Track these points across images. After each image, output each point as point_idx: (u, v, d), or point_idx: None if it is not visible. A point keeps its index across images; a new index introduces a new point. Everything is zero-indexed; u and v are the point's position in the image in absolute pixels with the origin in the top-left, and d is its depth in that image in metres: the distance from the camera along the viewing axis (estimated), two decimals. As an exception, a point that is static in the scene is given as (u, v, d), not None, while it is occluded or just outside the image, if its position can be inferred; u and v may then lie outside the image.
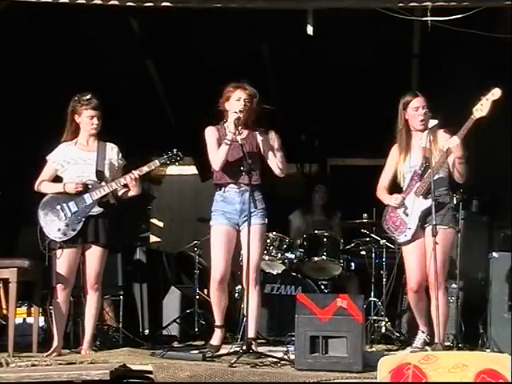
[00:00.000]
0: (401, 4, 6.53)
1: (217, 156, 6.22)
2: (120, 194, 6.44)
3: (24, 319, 7.64)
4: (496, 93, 6.05)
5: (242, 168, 6.11)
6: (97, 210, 6.32)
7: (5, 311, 6.92)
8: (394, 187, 6.48)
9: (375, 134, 6.56)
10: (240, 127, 6.16)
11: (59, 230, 6.29)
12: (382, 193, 6.50)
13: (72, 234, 6.28)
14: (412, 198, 6.29)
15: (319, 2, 6.65)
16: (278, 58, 9.13)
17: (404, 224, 6.32)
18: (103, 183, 6.35)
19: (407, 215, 6.32)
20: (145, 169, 6.35)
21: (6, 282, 6.35)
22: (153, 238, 10.58)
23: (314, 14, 6.63)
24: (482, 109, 6.07)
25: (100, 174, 6.37)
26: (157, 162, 6.39)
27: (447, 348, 6.18)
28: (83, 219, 6.30)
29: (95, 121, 6.42)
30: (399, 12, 6.56)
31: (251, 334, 6.18)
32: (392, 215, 6.41)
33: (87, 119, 6.41)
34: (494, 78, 8.02)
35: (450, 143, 6.12)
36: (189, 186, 11.22)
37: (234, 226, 6.26)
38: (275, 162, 6.35)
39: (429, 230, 6.14)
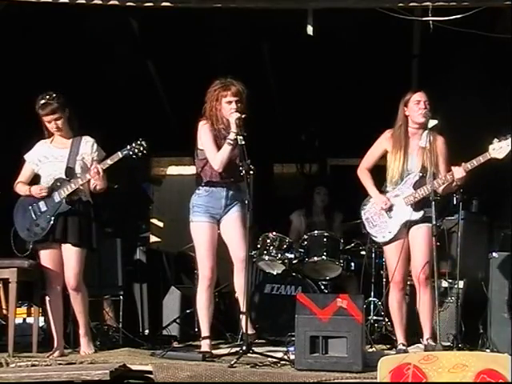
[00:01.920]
0: (401, 4, 6.52)
1: (219, 156, 6.19)
2: (91, 188, 6.38)
3: (24, 319, 7.63)
4: None
5: (240, 168, 6.11)
6: (65, 208, 6.28)
7: (5, 311, 6.92)
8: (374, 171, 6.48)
9: (375, 134, 6.54)
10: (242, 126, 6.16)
11: (28, 229, 6.30)
12: (365, 177, 6.43)
13: (42, 233, 6.28)
14: (399, 203, 6.27)
15: (319, 2, 6.64)
16: (277, 58, 9.12)
17: (383, 224, 6.29)
18: (72, 180, 6.32)
19: (390, 217, 6.28)
20: (108, 162, 6.27)
21: (5, 282, 6.36)
22: (153, 238, 10.58)
23: (314, 13, 6.63)
24: (500, 151, 5.98)
25: (69, 171, 6.33)
26: (119, 154, 6.25)
27: (447, 348, 6.18)
28: (52, 218, 6.28)
29: (53, 125, 6.37)
30: (399, 12, 6.56)
31: (243, 308, 6.11)
32: (374, 209, 6.36)
33: (47, 123, 6.40)
34: (494, 79, 8.07)
35: (455, 174, 6.07)
36: (189, 186, 11.10)
37: (215, 223, 6.28)
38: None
39: (414, 228, 6.18)
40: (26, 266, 6.28)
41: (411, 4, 6.53)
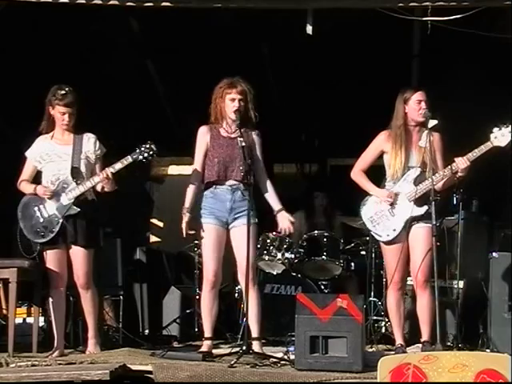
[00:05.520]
0: (401, 4, 6.52)
1: (194, 173, 6.29)
2: (98, 189, 6.39)
3: (24, 319, 7.64)
4: None
5: (240, 168, 6.12)
6: (74, 210, 6.29)
7: (5, 311, 6.92)
8: (370, 173, 6.45)
9: (375, 134, 6.55)
10: (239, 122, 6.16)
11: (37, 232, 6.29)
12: (361, 178, 6.39)
13: (50, 236, 6.28)
14: (401, 199, 6.25)
15: (319, 2, 6.64)
16: (277, 58, 9.12)
17: (387, 222, 6.26)
18: (79, 181, 6.29)
19: (393, 215, 6.27)
20: (118, 166, 6.23)
21: (5, 282, 6.36)
22: (153, 238, 10.58)
23: (314, 13, 6.63)
24: (501, 140, 5.98)
25: (75, 171, 6.32)
26: (129, 158, 6.20)
27: (447, 348, 6.18)
28: (61, 220, 6.28)
29: (66, 117, 6.36)
30: (399, 12, 6.56)
31: (254, 333, 6.15)
32: (375, 207, 6.33)
33: (59, 114, 6.37)
34: (494, 79, 8.08)
35: (459, 164, 6.06)
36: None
37: (222, 225, 6.22)
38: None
39: (415, 228, 6.16)
40: (26, 266, 6.27)
41: (411, 4, 6.53)
